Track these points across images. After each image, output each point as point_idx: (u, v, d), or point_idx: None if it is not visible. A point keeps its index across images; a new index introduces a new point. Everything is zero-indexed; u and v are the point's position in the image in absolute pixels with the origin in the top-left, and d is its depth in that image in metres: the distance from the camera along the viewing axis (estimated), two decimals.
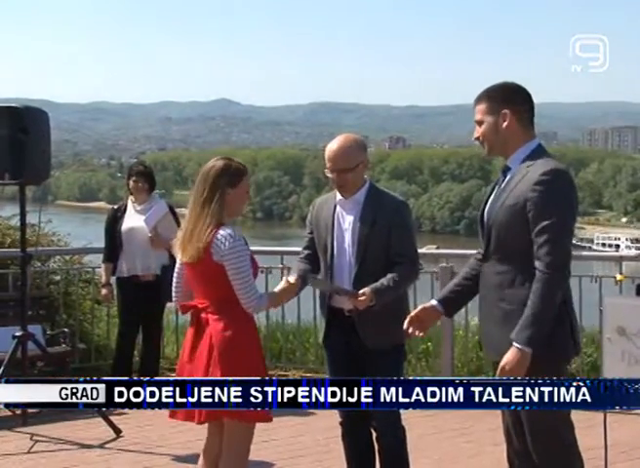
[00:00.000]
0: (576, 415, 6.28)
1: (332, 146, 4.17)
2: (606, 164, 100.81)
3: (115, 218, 6.99)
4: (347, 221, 4.22)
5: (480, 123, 3.58)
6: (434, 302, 3.78)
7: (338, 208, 4.27)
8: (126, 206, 7.03)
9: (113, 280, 7.03)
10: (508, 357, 3.33)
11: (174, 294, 4.07)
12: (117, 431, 5.99)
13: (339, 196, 4.27)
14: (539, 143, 3.56)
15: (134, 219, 6.92)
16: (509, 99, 3.52)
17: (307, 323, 7.80)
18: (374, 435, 4.33)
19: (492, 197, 3.59)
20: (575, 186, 3.49)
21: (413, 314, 3.74)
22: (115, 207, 7.17)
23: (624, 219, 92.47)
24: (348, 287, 4.15)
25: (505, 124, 3.50)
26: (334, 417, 6.37)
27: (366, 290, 4.02)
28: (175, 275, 4.03)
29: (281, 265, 7.55)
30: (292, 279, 4.06)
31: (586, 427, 5.59)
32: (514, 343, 3.32)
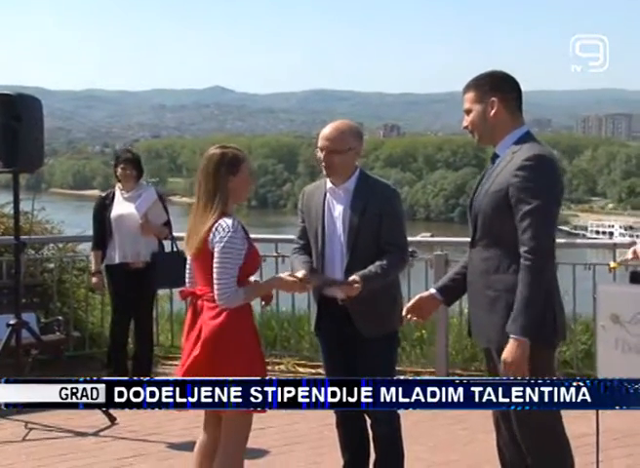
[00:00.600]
0: None
1: (326, 127, 4.19)
2: (600, 151, 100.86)
3: (104, 206, 6.98)
4: (338, 210, 4.20)
5: (468, 112, 3.58)
6: (433, 291, 3.79)
7: (328, 196, 4.24)
8: (114, 193, 7.02)
9: (103, 268, 7.03)
10: (508, 349, 3.34)
11: (187, 282, 4.10)
12: (112, 419, 5.99)
13: (329, 184, 4.24)
14: (527, 131, 3.56)
15: (123, 207, 6.91)
16: (497, 87, 3.52)
17: (302, 310, 7.80)
18: (368, 423, 4.34)
19: (481, 184, 3.60)
20: (559, 171, 3.50)
21: (411, 303, 3.75)
22: (103, 194, 7.16)
23: (610, 206, 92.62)
24: (340, 275, 4.14)
25: (493, 111, 3.50)
26: None
27: (354, 277, 4.02)
28: (187, 265, 4.07)
29: (275, 253, 7.55)
30: (300, 274, 4.02)
31: (579, 414, 5.61)
32: (510, 336, 3.33)
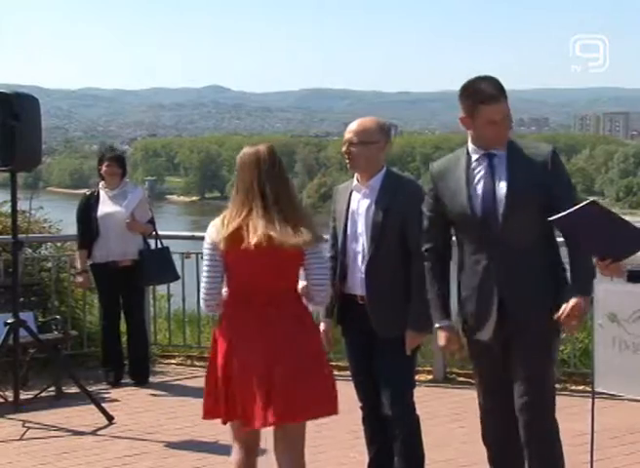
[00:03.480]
0: (567, 401, 6.32)
1: (353, 122, 4.22)
2: (598, 150, 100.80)
3: (88, 205, 6.98)
4: (362, 207, 4.19)
5: (502, 122, 3.61)
6: (448, 323, 3.85)
7: (353, 193, 4.24)
8: (98, 192, 7.01)
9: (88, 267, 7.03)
10: (572, 304, 3.46)
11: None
12: (109, 418, 5.99)
13: (355, 181, 4.24)
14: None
15: (108, 205, 6.92)
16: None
17: None
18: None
19: (480, 185, 3.60)
20: None
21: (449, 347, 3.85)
22: (87, 193, 7.16)
23: (608, 202, 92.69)
24: (361, 274, 4.14)
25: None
26: None
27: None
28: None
29: None
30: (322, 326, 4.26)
31: (577, 412, 5.63)
32: (578, 294, 3.45)
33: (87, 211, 6.96)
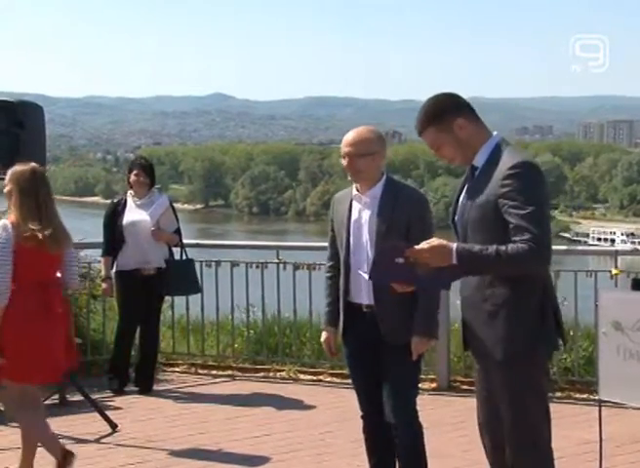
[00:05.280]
0: (571, 409, 6.30)
1: (348, 134, 4.19)
2: (601, 158, 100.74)
3: (115, 212, 6.99)
4: (364, 217, 4.17)
5: (439, 149, 3.52)
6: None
7: (354, 203, 4.22)
8: (125, 200, 7.03)
9: (113, 274, 7.03)
10: (442, 242, 3.33)
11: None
12: (113, 426, 5.98)
13: (354, 191, 4.23)
14: (500, 138, 3.48)
15: (134, 214, 6.93)
16: (451, 108, 3.47)
17: (304, 317, 7.79)
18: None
19: (462, 195, 3.54)
20: (543, 176, 3.43)
21: None
22: (115, 201, 7.16)
23: (611, 212, 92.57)
24: (365, 285, 4.12)
25: (463, 130, 3.45)
26: (330, 412, 6.39)
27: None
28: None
29: (277, 260, 7.54)
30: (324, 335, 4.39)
31: (583, 421, 5.62)
32: (455, 246, 3.30)
33: (113, 218, 6.98)
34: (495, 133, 3.52)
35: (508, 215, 3.28)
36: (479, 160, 3.47)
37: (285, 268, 7.51)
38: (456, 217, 3.57)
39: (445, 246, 3.30)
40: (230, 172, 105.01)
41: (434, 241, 3.32)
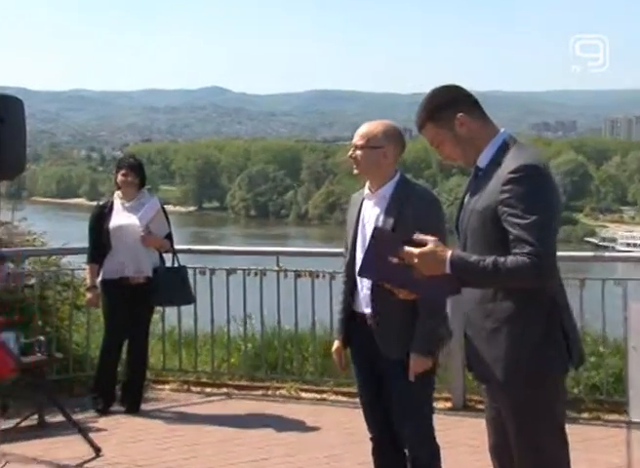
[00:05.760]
0: (600, 431, 6.26)
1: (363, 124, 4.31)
2: (630, 156, 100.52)
3: (101, 216, 6.97)
4: (372, 216, 4.23)
5: (438, 145, 3.50)
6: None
7: (365, 202, 4.30)
8: (113, 202, 7.01)
9: (99, 282, 7.01)
10: (438, 248, 3.26)
11: None
12: (97, 449, 5.96)
13: (366, 189, 4.31)
14: (507, 135, 3.43)
15: (122, 217, 6.91)
16: (453, 102, 3.44)
17: (306, 330, 7.77)
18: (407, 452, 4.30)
19: (465, 200, 3.51)
20: (552, 180, 3.33)
21: None
22: (101, 203, 7.16)
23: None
24: (368, 289, 4.15)
25: (465, 127, 3.41)
26: (335, 433, 6.36)
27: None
28: None
29: (277, 267, 7.52)
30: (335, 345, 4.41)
31: (611, 444, 5.59)
32: (450, 254, 3.24)
33: (99, 222, 6.96)
34: (502, 129, 3.46)
35: (508, 225, 3.23)
36: (483, 160, 3.43)
37: (286, 276, 7.50)
38: (459, 225, 3.52)
39: (436, 252, 3.24)
40: (226, 171, 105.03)
41: (428, 245, 3.27)
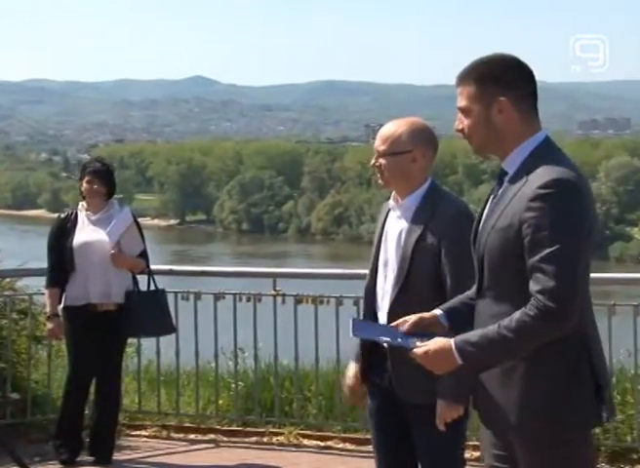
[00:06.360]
0: None
1: (385, 124, 4.34)
2: None
3: (63, 231, 6.98)
4: (394, 232, 4.28)
5: (465, 111, 3.45)
6: (438, 312, 3.68)
7: (391, 213, 4.34)
8: (76, 214, 7.03)
9: (61, 310, 7.03)
10: (438, 344, 3.32)
11: None
12: None
13: (392, 200, 4.34)
14: (544, 138, 3.41)
15: (88, 232, 6.92)
16: (507, 81, 3.39)
17: (308, 365, 7.79)
18: None
19: (485, 212, 3.48)
20: (587, 201, 3.29)
21: (411, 320, 3.61)
22: (62, 215, 7.13)
23: None
24: (385, 314, 4.20)
25: (503, 115, 3.38)
26: None
27: None
28: None
29: (274, 291, 7.54)
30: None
31: None
32: (453, 343, 3.28)
33: (60, 238, 6.97)
34: (542, 131, 3.44)
35: (528, 251, 3.22)
36: (511, 164, 3.41)
37: (284, 302, 7.52)
38: (477, 242, 3.49)
39: (441, 350, 3.29)
40: (214, 178, 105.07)
41: (431, 344, 3.32)
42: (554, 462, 3.30)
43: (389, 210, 4.35)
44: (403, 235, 4.21)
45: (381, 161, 4.25)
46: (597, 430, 6.63)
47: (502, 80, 3.39)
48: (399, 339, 3.51)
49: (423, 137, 4.29)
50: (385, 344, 4.09)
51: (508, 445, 3.39)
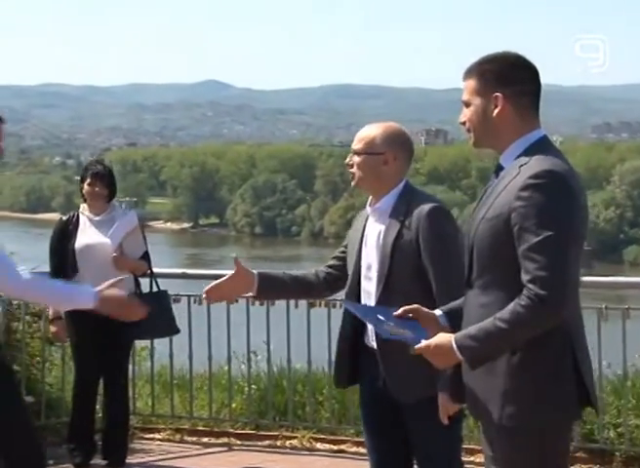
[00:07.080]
0: None
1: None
2: None
3: (65, 233, 6.98)
4: (372, 237, 4.33)
5: (467, 104, 3.54)
6: (438, 312, 3.67)
7: (369, 217, 4.39)
8: (78, 216, 7.04)
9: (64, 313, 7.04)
10: (439, 339, 3.35)
11: None
12: None
13: (367, 204, 4.40)
14: (541, 136, 3.46)
15: (90, 234, 6.92)
16: (506, 78, 3.45)
17: (320, 368, 7.79)
18: None
19: (478, 205, 3.52)
20: (577, 193, 3.32)
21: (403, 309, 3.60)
22: (64, 218, 7.14)
23: None
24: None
25: (497, 110, 3.44)
26: None
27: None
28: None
29: None
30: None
31: None
32: (454, 338, 3.31)
33: (62, 241, 6.97)
34: (539, 129, 3.48)
35: (517, 239, 3.26)
36: (506, 158, 3.47)
37: (297, 306, 7.50)
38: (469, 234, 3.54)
39: (441, 346, 3.32)
40: (227, 181, 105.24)
41: (432, 340, 3.35)
42: (528, 450, 3.33)
43: (368, 216, 4.40)
44: (381, 236, 4.26)
45: (355, 159, 4.33)
46: (612, 434, 6.63)
47: (502, 76, 3.46)
48: (391, 323, 3.53)
49: (397, 141, 4.36)
50: (375, 344, 4.19)
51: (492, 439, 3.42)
